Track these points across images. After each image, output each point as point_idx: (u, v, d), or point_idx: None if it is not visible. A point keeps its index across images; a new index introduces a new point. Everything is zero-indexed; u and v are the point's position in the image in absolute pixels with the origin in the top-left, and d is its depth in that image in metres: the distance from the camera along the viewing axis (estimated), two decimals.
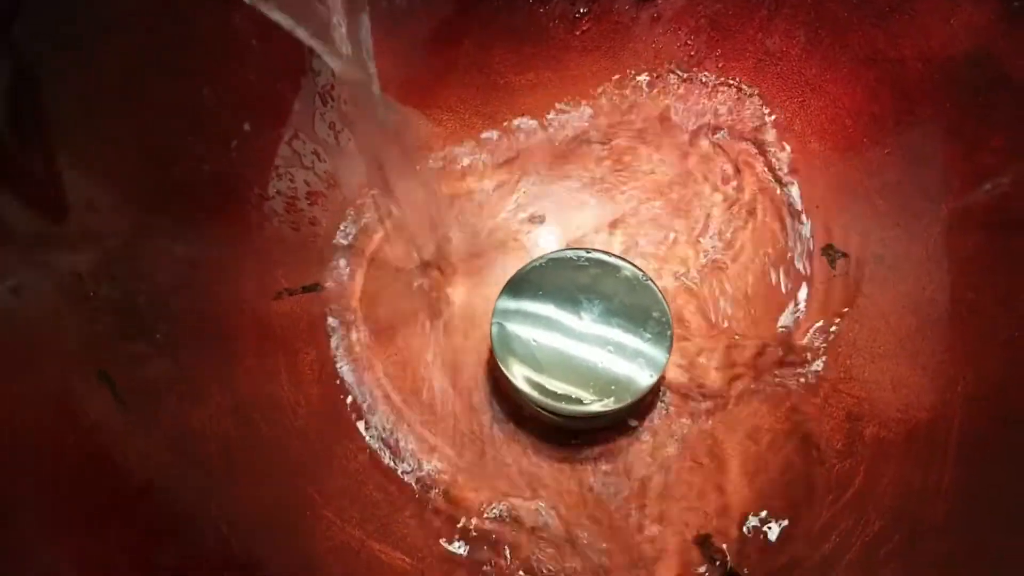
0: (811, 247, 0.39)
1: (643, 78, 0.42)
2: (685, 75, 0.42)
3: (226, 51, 0.35)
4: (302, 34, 0.30)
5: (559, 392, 0.35)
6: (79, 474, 0.29)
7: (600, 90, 0.42)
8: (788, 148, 0.40)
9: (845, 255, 0.38)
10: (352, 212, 0.40)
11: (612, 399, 0.35)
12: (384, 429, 0.36)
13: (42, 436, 0.29)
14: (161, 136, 0.34)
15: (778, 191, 0.40)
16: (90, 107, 0.31)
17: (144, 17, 0.33)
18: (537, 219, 0.41)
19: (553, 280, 0.37)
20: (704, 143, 0.41)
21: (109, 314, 0.31)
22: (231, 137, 0.36)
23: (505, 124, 0.42)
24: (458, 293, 0.39)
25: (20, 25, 0.29)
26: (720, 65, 0.41)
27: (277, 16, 0.30)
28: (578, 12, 0.41)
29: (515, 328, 0.36)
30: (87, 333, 0.31)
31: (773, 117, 0.41)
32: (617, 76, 0.42)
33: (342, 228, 0.40)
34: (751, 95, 0.41)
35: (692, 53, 0.41)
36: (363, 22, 0.32)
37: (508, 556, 0.34)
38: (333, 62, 0.31)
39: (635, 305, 0.37)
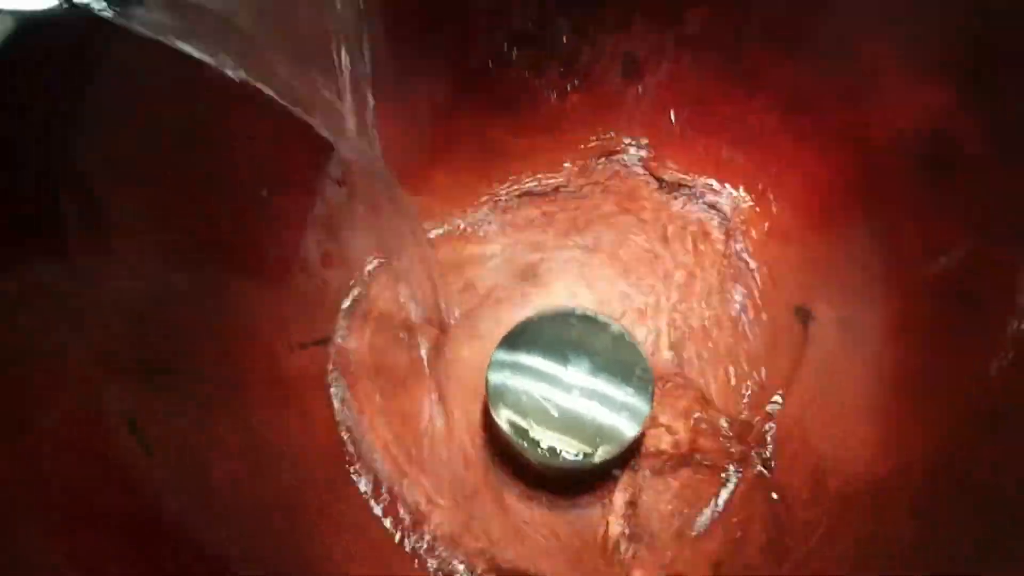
0: (784, 310, 0.42)
1: (629, 142, 0.46)
2: (668, 147, 0.45)
3: (245, 127, 0.38)
4: (313, 120, 0.34)
5: (547, 442, 0.38)
6: (109, 512, 0.32)
7: (588, 157, 0.46)
8: (765, 216, 0.44)
9: (815, 318, 0.41)
10: (360, 273, 0.43)
11: (598, 449, 0.38)
12: (385, 476, 0.39)
13: (76, 481, 0.32)
14: (188, 204, 0.37)
15: (754, 256, 0.43)
16: (124, 178, 0.34)
17: (171, 98, 0.36)
18: (530, 278, 0.44)
19: (545, 336, 0.40)
20: (684, 210, 0.45)
21: (140, 369, 0.35)
22: (251, 202, 0.39)
23: (502, 187, 0.45)
24: (456, 348, 0.42)
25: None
26: (702, 138, 0.44)
27: (289, 103, 0.33)
28: (569, 84, 0.45)
29: (508, 381, 0.39)
30: (120, 387, 0.34)
31: (751, 187, 0.44)
32: (603, 142, 0.46)
33: (350, 288, 0.43)
34: (731, 166, 0.44)
35: (675, 126, 0.44)
36: (369, 104, 0.35)
37: None
38: (342, 144, 0.35)
39: (620, 361, 0.40)
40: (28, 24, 0.31)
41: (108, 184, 0.34)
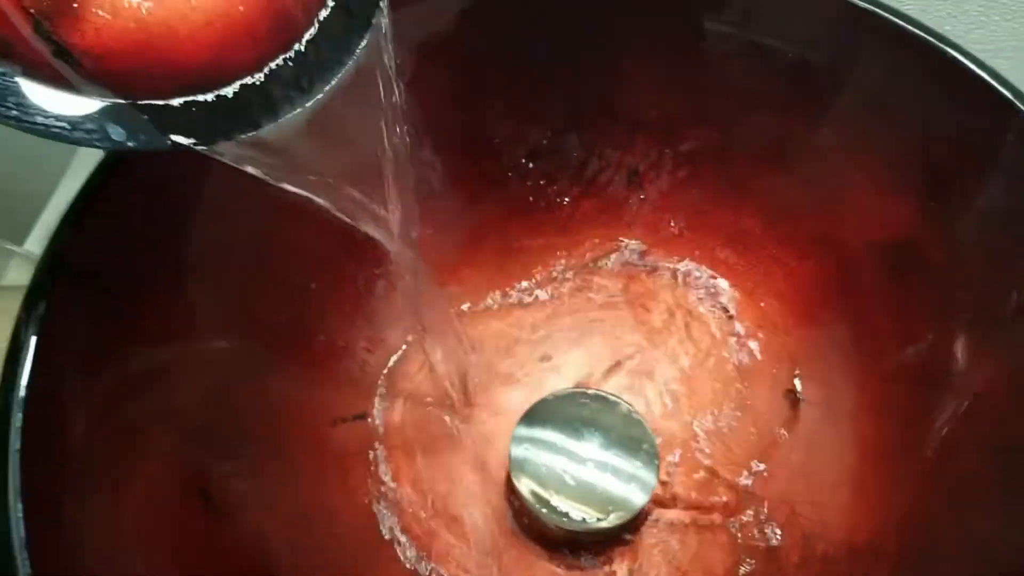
0: (774, 392, 0.47)
1: (633, 243, 0.52)
2: (668, 247, 0.51)
3: (301, 231, 0.43)
4: (363, 225, 0.39)
5: (565, 510, 0.43)
6: (185, 563, 0.36)
7: (597, 255, 0.52)
8: (755, 309, 0.49)
9: (802, 399, 0.47)
10: (395, 356, 0.48)
11: (611, 516, 0.43)
12: (419, 537, 0.44)
13: (159, 535, 0.36)
14: (253, 298, 0.42)
15: (747, 345, 0.49)
16: (206, 278, 0.40)
17: (242, 210, 0.41)
18: (546, 359, 0.50)
19: (561, 413, 0.45)
20: (683, 304, 0.50)
21: (208, 441, 0.39)
22: (302, 295, 0.45)
23: (520, 281, 0.51)
24: (481, 423, 0.47)
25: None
26: (698, 239, 0.50)
27: (341, 212, 0.38)
28: (579, 191, 0.51)
29: (528, 454, 0.44)
30: (191, 456, 0.39)
31: (742, 284, 0.50)
32: (610, 242, 0.52)
33: (387, 368, 0.48)
34: (724, 265, 0.50)
35: (673, 228, 0.51)
36: (410, 211, 0.40)
37: None
38: (388, 244, 0.40)
39: (628, 436, 0.45)
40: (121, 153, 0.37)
41: (197, 283, 0.39)
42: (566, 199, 0.51)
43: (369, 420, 0.46)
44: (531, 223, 0.51)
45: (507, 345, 0.50)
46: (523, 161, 0.50)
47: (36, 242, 0.56)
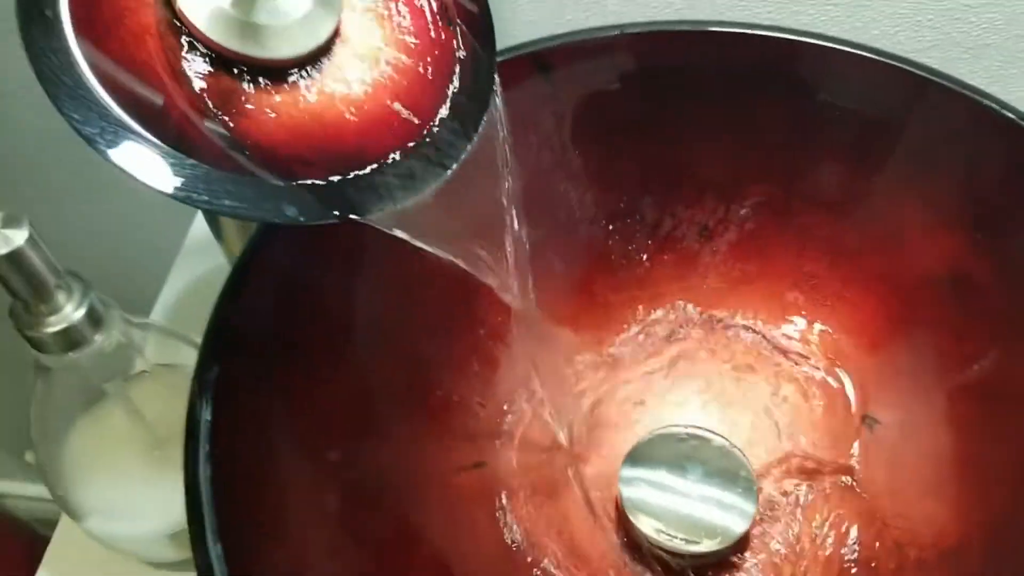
0: (853, 418, 0.51)
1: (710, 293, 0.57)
2: (740, 293, 0.56)
3: (415, 292, 0.48)
4: (488, 282, 0.44)
5: (678, 537, 0.46)
6: None
7: (676, 306, 0.56)
8: (826, 343, 0.54)
9: (879, 423, 0.51)
10: (508, 405, 0.53)
11: (717, 540, 0.47)
12: (544, 572, 0.47)
13: None
14: (376, 356, 0.47)
15: (823, 377, 0.53)
16: (339, 339, 0.45)
17: (378, 273, 0.46)
18: (640, 403, 0.54)
19: (662, 452, 0.50)
20: (760, 343, 0.55)
21: (351, 492, 0.43)
22: (420, 354, 0.49)
23: (606, 334, 0.56)
24: (588, 465, 0.51)
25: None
26: (768, 284, 0.55)
27: (470, 269, 0.43)
28: (655, 247, 0.56)
29: (639, 493, 0.48)
30: (336, 507, 0.43)
31: (812, 321, 0.54)
32: (687, 293, 0.57)
33: (500, 418, 0.52)
34: (793, 305, 0.55)
35: (744, 275, 0.56)
36: (527, 271, 0.45)
37: None
38: (513, 302, 0.45)
39: (726, 468, 0.49)
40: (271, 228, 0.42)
41: (338, 347, 0.44)
42: (643, 255, 0.56)
43: (487, 468, 0.50)
44: (614, 280, 0.56)
45: (604, 392, 0.54)
46: (603, 223, 0.55)
47: (159, 314, 0.60)
